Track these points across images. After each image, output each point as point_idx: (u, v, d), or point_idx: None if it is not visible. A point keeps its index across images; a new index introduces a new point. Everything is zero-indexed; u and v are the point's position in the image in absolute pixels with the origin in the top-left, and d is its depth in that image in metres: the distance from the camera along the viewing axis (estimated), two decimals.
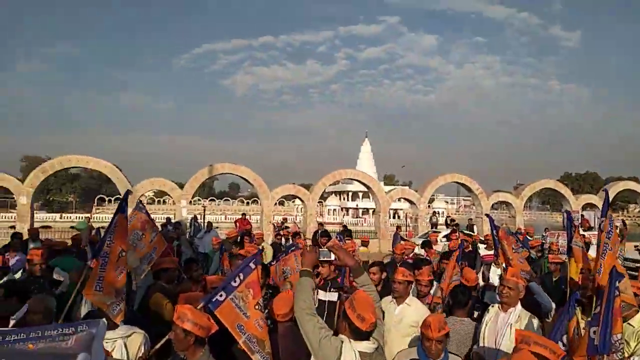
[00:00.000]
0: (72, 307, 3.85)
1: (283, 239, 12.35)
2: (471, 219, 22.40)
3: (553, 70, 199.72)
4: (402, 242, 9.59)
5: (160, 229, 7.23)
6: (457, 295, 4.26)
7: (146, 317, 4.07)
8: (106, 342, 2.97)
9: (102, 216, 42.04)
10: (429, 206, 31.67)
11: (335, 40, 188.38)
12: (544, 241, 11.66)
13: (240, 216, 18.21)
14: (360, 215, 59.51)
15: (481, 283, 6.42)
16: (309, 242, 9.84)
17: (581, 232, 7.20)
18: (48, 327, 1.41)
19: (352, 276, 3.09)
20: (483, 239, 10.33)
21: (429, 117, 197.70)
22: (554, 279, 6.73)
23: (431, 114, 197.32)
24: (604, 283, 3.49)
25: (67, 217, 46.88)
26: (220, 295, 3.22)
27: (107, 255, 3.18)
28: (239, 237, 9.52)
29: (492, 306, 4.05)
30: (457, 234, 11.26)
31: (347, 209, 63.36)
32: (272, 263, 6.65)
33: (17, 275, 5.83)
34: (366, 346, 2.57)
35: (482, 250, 9.08)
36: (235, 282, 3.30)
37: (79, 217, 41.67)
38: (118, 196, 33.14)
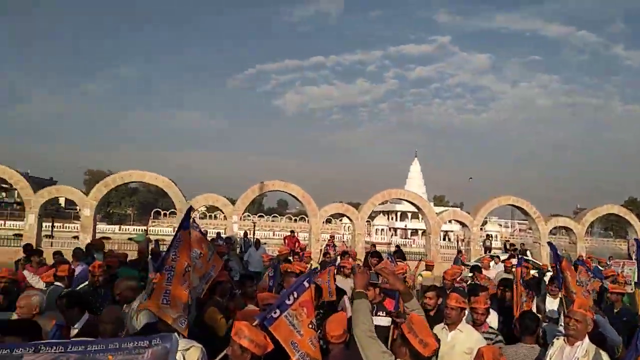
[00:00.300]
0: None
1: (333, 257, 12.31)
2: (523, 244, 21.41)
3: (615, 90, 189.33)
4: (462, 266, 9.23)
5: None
6: (526, 321, 4.13)
7: (202, 331, 4.15)
8: None
9: (158, 229, 43.88)
10: (481, 229, 30.64)
11: (385, 60, 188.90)
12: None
13: (288, 233, 18.38)
14: (409, 236, 58.43)
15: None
16: (359, 262, 9.74)
17: None
18: (125, 339, 1.47)
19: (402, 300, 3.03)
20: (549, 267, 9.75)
21: (481, 136, 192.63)
22: (615, 311, 6.30)
23: (483, 133, 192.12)
24: None
25: (125, 229, 49.17)
26: (275, 313, 3.24)
27: (172, 269, 3.28)
28: (289, 254, 9.59)
29: (557, 339, 3.82)
30: (516, 259, 10.75)
31: (396, 229, 62.50)
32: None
33: (81, 286, 6.10)
34: None
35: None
36: (289, 300, 3.31)
37: (137, 230, 43.60)
38: (173, 210, 34.44)
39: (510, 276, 7.79)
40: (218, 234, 16.83)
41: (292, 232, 18.95)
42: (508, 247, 19.25)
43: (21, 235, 20.39)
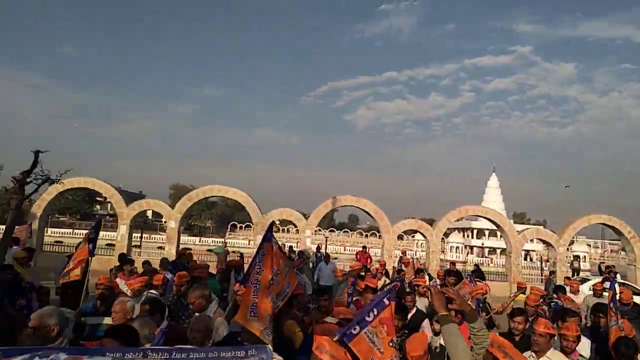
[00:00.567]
0: None
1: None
2: (613, 266, 19.49)
3: None
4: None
5: None
6: (621, 348, 3.91)
7: (281, 343, 4.23)
8: None
9: (235, 241, 45.60)
10: (568, 249, 28.45)
11: (460, 72, 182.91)
12: None
13: (359, 249, 18.29)
14: (486, 255, 55.65)
15: None
16: (435, 281, 9.45)
17: None
18: (224, 349, 1.56)
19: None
20: None
21: (565, 150, 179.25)
22: None
23: (569, 147, 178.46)
24: None
25: (204, 240, 51.66)
26: (354, 329, 3.23)
27: (258, 282, 3.40)
28: (362, 270, 9.54)
29: None
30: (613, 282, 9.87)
31: (472, 247, 59.81)
32: None
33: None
34: None
35: None
36: (369, 317, 3.29)
37: (215, 242, 45.69)
38: (248, 223, 35.69)
39: (603, 300, 7.22)
40: (290, 247, 17.17)
41: (364, 247, 18.84)
42: (603, 269, 17.68)
43: (113, 245, 22.13)
